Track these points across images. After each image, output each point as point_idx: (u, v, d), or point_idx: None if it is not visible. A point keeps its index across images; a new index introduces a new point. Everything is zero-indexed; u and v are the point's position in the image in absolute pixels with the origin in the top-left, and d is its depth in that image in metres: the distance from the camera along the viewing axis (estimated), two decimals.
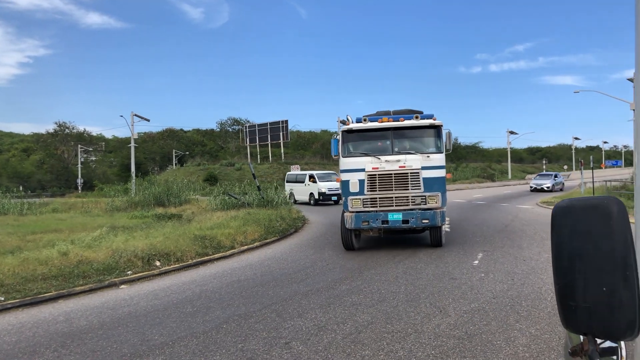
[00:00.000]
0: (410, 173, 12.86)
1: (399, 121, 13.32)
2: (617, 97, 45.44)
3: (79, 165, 74.41)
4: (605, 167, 59.35)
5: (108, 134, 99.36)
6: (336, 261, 12.42)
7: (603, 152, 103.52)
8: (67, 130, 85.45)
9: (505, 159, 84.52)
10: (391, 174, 12.92)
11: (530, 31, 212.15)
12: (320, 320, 7.38)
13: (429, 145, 13.33)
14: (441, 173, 13.07)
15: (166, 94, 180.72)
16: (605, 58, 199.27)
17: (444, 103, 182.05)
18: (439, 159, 13.10)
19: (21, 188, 51.78)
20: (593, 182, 33.88)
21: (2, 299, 9.11)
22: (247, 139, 70.52)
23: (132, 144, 46.02)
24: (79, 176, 70.38)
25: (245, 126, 74.58)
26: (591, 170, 33.90)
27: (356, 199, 13.02)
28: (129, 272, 11.34)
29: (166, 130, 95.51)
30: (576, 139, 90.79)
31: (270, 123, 67.76)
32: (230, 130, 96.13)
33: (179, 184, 36.28)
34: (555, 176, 45.86)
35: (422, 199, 12.82)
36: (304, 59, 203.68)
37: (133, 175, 40.99)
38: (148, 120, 48.56)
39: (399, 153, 13.14)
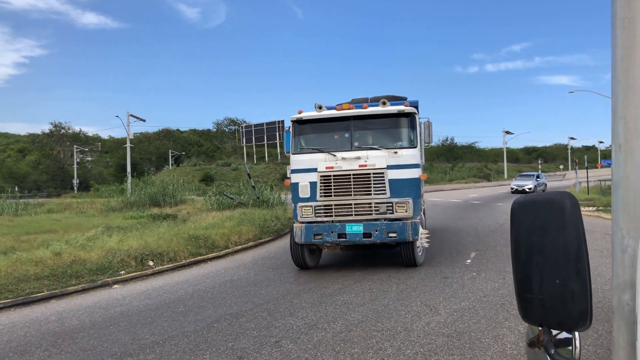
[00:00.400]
0: (373, 174, 10.32)
1: (361, 109, 10.83)
2: None
3: (75, 166, 74.28)
4: (601, 167, 59.52)
5: (104, 134, 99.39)
6: (329, 260, 12.44)
7: (599, 151, 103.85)
8: (62, 131, 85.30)
9: (502, 158, 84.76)
10: (349, 174, 10.39)
11: (526, 31, 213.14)
12: (311, 319, 7.41)
13: (399, 139, 10.80)
14: (413, 173, 10.45)
15: (163, 94, 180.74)
16: (602, 58, 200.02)
17: (441, 103, 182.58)
18: (411, 155, 10.44)
19: (16, 188, 51.60)
20: (588, 181, 34.02)
21: None
22: (244, 139, 70.50)
23: (128, 144, 45.99)
24: (75, 176, 70.25)
25: (242, 126, 74.59)
26: (586, 170, 34.03)
27: (307, 206, 10.58)
28: (122, 272, 11.35)
29: (162, 131, 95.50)
30: (572, 138, 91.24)
31: (266, 123, 67.76)
32: (227, 130, 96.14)
33: (174, 184, 36.25)
34: (538, 177, 43.94)
35: (388, 206, 10.28)
36: (301, 59, 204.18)
37: (129, 175, 40.97)
38: (144, 121, 48.65)
39: (359, 148, 10.57)
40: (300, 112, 11.07)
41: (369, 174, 10.36)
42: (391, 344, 6.21)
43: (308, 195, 10.65)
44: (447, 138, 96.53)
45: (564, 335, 1.42)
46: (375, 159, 10.38)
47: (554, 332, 1.40)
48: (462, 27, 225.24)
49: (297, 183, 10.79)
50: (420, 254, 11.04)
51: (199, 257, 13.34)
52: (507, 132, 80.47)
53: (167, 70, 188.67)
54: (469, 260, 11.68)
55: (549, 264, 1.32)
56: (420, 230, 10.72)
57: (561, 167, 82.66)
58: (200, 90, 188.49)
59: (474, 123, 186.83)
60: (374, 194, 10.34)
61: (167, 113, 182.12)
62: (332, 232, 10.38)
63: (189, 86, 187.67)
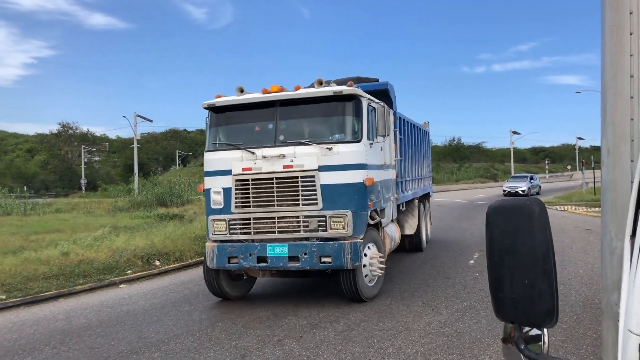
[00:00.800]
0: (302, 177, 7.99)
1: (292, 91, 8.48)
2: None
3: (83, 166, 74.76)
4: None
5: (112, 135, 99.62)
6: None
7: None
8: (70, 131, 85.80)
9: (509, 159, 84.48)
10: (272, 178, 8.10)
11: (534, 31, 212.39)
12: (314, 318, 7.51)
13: (337, 130, 8.44)
14: (354, 177, 7.96)
15: (170, 95, 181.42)
16: None
17: (447, 103, 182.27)
18: (352, 152, 8.00)
19: (25, 188, 52.11)
20: (594, 181, 33.95)
21: (4, 297, 9.29)
22: None
23: (135, 145, 46.30)
24: (83, 176, 70.73)
25: None
26: (592, 170, 33.96)
27: (219, 220, 8.37)
28: (128, 272, 11.51)
29: (169, 131, 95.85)
30: (580, 138, 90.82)
31: None
32: None
33: (181, 184, 36.53)
34: (532, 178, 41.93)
35: (320, 221, 7.93)
36: (308, 57, 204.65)
37: (136, 175, 41.26)
38: (151, 121, 49.01)
39: (284, 143, 8.22)
40: (218, 97, 8.86)
41: (297, 177, 8.04)
42: (392, 343, 6.30)
43: (221, 206, 8.41)
44: (453, 138, 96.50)
45: (534, 331, 1.52)
46: (304, 157, 8.03)
47: (525, 329, 1.50)
48: (468, 27, 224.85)
49: (209, 189, 8.57)
50: (370, 284, 8.47)
51: None
52: (514, 132, 79.94)
53: (174, 70, 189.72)
54: (472, 261, 11.74)
55: (519, 265, 1.42)
56: (371, 253, 8.41)
57: (569, 167, 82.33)
58: (208, 91, 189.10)
59: (480, 123, 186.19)
60: (303, 205, 8.02)
61: (174, 113, 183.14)
62: (250, 255, 8.09)
63: (196, 86, 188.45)
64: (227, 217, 8.34)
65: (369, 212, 8.28)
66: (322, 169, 7.93)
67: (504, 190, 39.33)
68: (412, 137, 12.47)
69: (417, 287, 9.34)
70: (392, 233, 9.98)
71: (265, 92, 8.43)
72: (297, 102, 8.38)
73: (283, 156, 8.07)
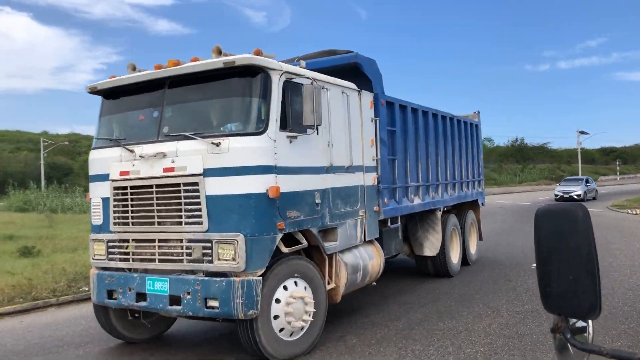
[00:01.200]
0: (184, 185, 5.78)
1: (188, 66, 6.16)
2: None
3: None
4: None
5: None
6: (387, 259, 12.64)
7: None
8: None
9: (576, 159, 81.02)
10: (151, 185, 5.99)
11: (603, 26, 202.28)
12: (375, 317, 7.73)
13: (233, 117, 6.16)
14: (251, 184, 5.61)
15: None
16: None
17: (510, 103, 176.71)
18: (249, 149, 5.64)
19: None
20: None
21: (87, 289, 10.08)
22: None
23: None
24: None
25: None
26: None
27: (98, 240, 6.49)
28: None
29: None
30: None
31: None
32: None
33: None
34: (587, 181, 37.31)
35: (205, 247, 5.65)
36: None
37: None
38: None
39: (167, 138, 6.02)
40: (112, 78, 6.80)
41: (178, 184, 5.83)
42: (452, 343, 6.43)
43: (100, 222, 6.48)
44: (516, 138, 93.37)
45: (580, 323, 1.71)
46: (188, 157, 5.78)
47: (572, 320, 1.69)
48: (532, 24, 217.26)
49: (91, 199, 6.68)
50: (290, 338, 5.97)
51: None
52: (582, 132, 76.74)
53: None
54: (534, 265, 11.50)
55: (565, 263, 1.62)
56: (289, 295, 5.90)
57: None
58: None
59: (545, 123, 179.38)
60: (186, 224, 5.81)
61: None
62: (129, 290, 6.05)
63: None
64: (105, 236, 6.40)
65: (279, 236, 5.82)
66: (208, 173, 5.66)
67: (556, 195, 35.32)
68: (425, 130, 9.82)
69: (477, 289, 9.36)
70: (360, 261, 7.28)
71: (158, 68, 6.28)
72: (188, 80, 6.18)
73: (164, 155, 5.90)
